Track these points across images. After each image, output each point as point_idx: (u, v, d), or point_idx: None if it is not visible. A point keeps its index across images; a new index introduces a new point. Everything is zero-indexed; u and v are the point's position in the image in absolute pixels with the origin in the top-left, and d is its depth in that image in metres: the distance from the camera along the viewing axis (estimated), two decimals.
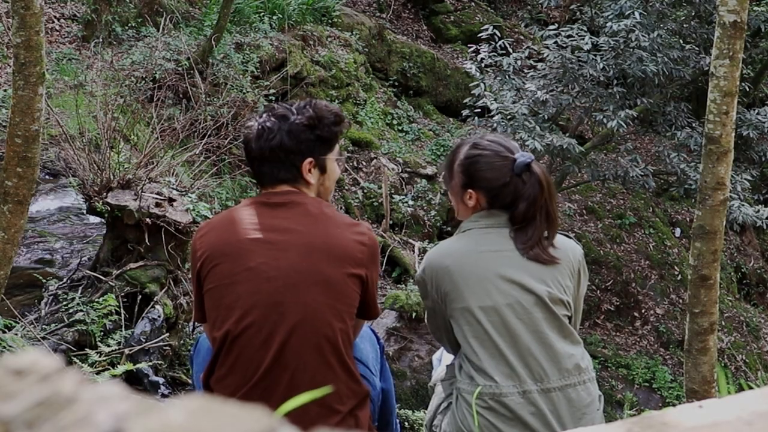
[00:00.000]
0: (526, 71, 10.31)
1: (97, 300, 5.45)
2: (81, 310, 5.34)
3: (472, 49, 10.66)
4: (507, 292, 2.60)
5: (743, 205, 9.41)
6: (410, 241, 10.58)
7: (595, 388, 2.71)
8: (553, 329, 2.63)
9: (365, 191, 11.18)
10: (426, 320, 2.84)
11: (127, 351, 5.21)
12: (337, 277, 2.49)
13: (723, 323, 11.41)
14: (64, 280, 5.89)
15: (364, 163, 11.56)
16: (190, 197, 5.85)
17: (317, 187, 2.62)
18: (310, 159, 2.57)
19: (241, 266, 2.49)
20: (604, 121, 9.51)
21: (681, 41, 10.02)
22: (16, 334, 4.94)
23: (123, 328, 5.35)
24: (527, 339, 2.60)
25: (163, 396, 5.20)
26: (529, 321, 2.61)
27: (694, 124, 9.92)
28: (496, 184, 2.63)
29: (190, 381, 5.20)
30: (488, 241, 2.64)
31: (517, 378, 2.58)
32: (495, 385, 2.57)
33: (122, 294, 5.50)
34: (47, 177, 7.82)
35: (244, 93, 10.20)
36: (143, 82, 9.42)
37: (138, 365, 4.97)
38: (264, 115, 2.59)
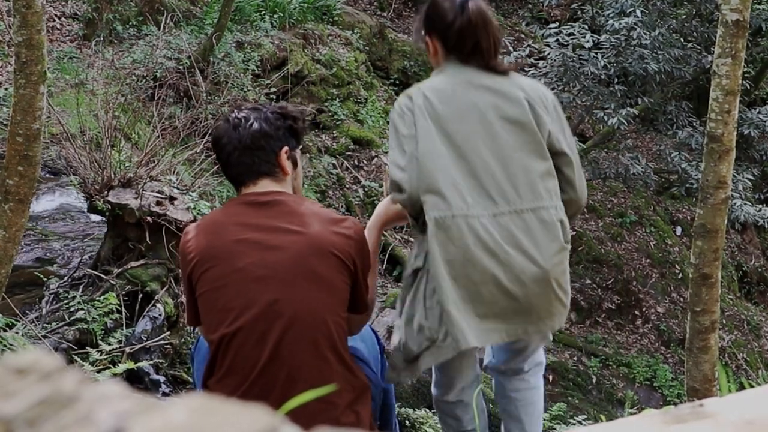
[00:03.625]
0: (527, 69, 10.30)
1: (98, 298, 5.44)
2: (82, 309, 5.34)
3: None
4: (484, 118, 2.61)
5: (744, 203, 9.41)
6: (411, 239, 10.57)
7: (560, 215, 2.70)
8: (529, 152, 2.62)
9: (366, 190, 11.18)
10: (390, 156, 2.74)
11: (128, 349, 5.20)
12: (326, 272, 2.50)
13: (724, 322, 11.41)
14: (65, 278, 5.89)
15: (365, 162, 11.55)
16: (191, 196, 5.84)
17: (291, 181, 2.65)
18: (285, 147, 2.60)
19: (230, 268, 2.49)
20: (605, 119, 9.51)
21: (682, 40, 10.02)
22: (17, 333, 4.94)
23: (124, 327, 5.34)
24: (502, 160, 2.59)
25: (164, 394, 5.21)
26: (506, 142, 2.60)
27: (695, 123, 9.92)
28: (442, 25, 2.69)
29: (191, 379, 5.20)
30: (463, 75, 2.69)
31: (489, 200, 2.56)
32: (466, 207, 2.55)
33: (123, 292, 5.50)
34: (48, 175, 7.82)
35: (245, 92, 10.19)
36: (144, 80, 9.42)
37: (139, 364, 4.96)
38: (234, 111, 2.65)
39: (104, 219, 6.00)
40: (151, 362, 5.24)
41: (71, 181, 6.39)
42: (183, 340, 5.86)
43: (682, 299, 11.65)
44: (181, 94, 9.88)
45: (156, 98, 8.67)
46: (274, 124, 2.58)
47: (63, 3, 11.06)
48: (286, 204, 2.56)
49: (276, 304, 2.47)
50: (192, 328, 5.87)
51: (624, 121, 9.38)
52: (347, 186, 11.15)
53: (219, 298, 2.50)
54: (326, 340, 2.49)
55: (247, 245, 2.50)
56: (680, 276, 11.97)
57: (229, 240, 2.51)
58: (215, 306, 2.51)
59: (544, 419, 6.88)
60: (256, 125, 2.57)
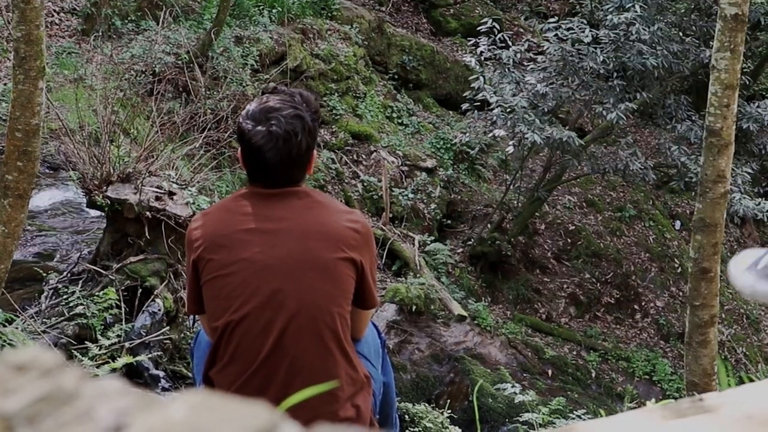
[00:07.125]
0: (525, 64, 10.30)
1: (97, 293, 5.45)
2: (81, 304, 5.34)
3: (471, 42, 10.65)
4: None
5: (744, 197, 9.42)
6: (410, 234, 10.58)
7: None
8: None
9: (365, 184, 11.18)
10: None
11: (127, 344, 5.21)
12: (333, 263, 2.51)
13: (723, 316, 11.42)
14: (65, 273, 5.89)
15: (364, 157, 11.55)
16: (190, 191, 5.84)
17: None
18: (315, 150, 2.60)
19: (236, 257, 2.51)
20: (604, 113, 9.52)
21: (681, 34, 10.01)
22: (17, 328, 4.94)
23: (123, 322, 5.35)
24: None
25: (164, 389, 5.21)
26: None
27: (694, 117, 9.92)
28: None
29: (190, 374, 5.20)
30: None
31: None
32: None
33: (122, 287, 5.50)
34: (47, 171, 7.81)
35: (243, 86, 10.18)
36: (143, 75, 9.41)
37: (138, 359, 4.96)
38: (280, 118, 2.48)
39: (103, 214, 6.00)
40: (150, 357, 5.25)
41: (70, 177, 6.39)
42: (182, 335, 5.86)
43: (681, 293, 11.66)
44: (180, 89, 9.87)
45: (155, 93, 8.67)
46: (313, 135, 2.54)
47: None
48: (296, 194, 2.56)
49: (281, 293, 2.48)
50: (191, 322, 5.88)
51: (623, 116, 9.38)
52: (346, 180, 11.14)
53: (225, 285, 2.52)
54: (330, 331, 2.50)
55: (255, 235, 2.52)
56: (679, 270, 11.97)
57: (237, 229, 2.53)
58: (221, 293, 2.52)
59: (543, 413, 6.90)
60: (304, 143, 2.49)
